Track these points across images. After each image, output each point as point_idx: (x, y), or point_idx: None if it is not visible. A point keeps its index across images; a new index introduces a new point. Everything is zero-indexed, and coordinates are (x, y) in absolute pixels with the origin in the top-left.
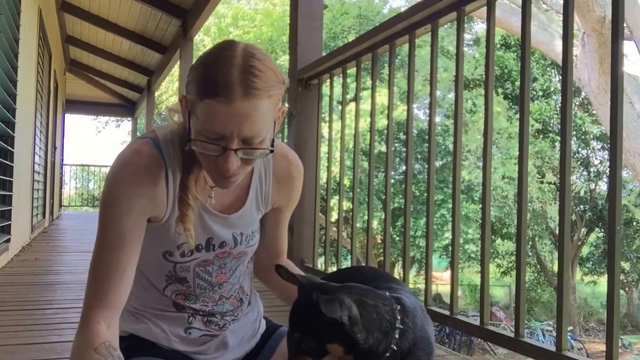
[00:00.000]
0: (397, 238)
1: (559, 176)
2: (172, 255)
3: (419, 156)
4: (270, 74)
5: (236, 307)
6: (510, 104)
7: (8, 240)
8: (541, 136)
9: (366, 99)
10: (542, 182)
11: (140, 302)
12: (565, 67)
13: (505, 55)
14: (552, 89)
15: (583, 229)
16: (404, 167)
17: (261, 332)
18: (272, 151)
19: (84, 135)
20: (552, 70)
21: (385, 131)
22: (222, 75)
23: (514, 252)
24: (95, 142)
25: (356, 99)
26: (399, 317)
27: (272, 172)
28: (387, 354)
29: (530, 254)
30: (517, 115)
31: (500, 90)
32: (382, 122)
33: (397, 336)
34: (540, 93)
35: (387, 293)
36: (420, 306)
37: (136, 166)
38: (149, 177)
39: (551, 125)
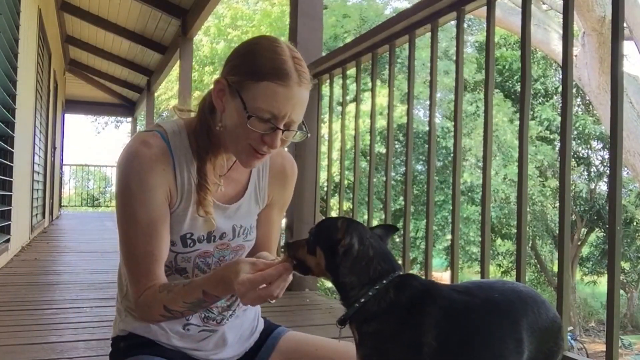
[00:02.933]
0: (398, 239)
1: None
2: (174, 245)
3: (420, 157)
4: (307, 69)
5: (232, 302)
6: (517, 105)
7: (8, 240)
8: (541, 135)
9: (367, 100)
10: (544, 186)
11: None
12: (565, 67)
13: (511, 55)
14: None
15: (583, 229)
16: (404, 168)
17: (259, 330)
18: (308, 134)
19: (83, 135)
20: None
21: (386, 132)
22: (280, 62)
23: (514, 252)
24: (94, 143)
25: (356, 99)
26: (384, 282)
27: (268, 168)
28: (356, 305)
29: (530, 254)
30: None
31: (502, 90)
32: (382, 122)
33: (370, 293)
34: (543, 92)
35: (404, 271)
36: (430, 301)
37: (147, 157)
38: (160, 167)
39: (553, 129)
